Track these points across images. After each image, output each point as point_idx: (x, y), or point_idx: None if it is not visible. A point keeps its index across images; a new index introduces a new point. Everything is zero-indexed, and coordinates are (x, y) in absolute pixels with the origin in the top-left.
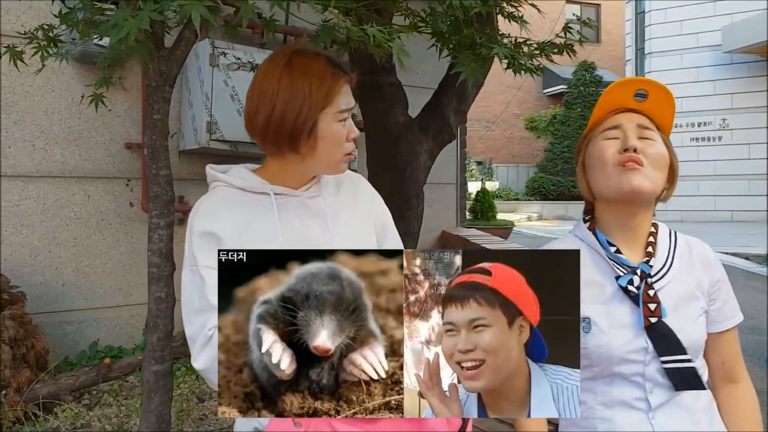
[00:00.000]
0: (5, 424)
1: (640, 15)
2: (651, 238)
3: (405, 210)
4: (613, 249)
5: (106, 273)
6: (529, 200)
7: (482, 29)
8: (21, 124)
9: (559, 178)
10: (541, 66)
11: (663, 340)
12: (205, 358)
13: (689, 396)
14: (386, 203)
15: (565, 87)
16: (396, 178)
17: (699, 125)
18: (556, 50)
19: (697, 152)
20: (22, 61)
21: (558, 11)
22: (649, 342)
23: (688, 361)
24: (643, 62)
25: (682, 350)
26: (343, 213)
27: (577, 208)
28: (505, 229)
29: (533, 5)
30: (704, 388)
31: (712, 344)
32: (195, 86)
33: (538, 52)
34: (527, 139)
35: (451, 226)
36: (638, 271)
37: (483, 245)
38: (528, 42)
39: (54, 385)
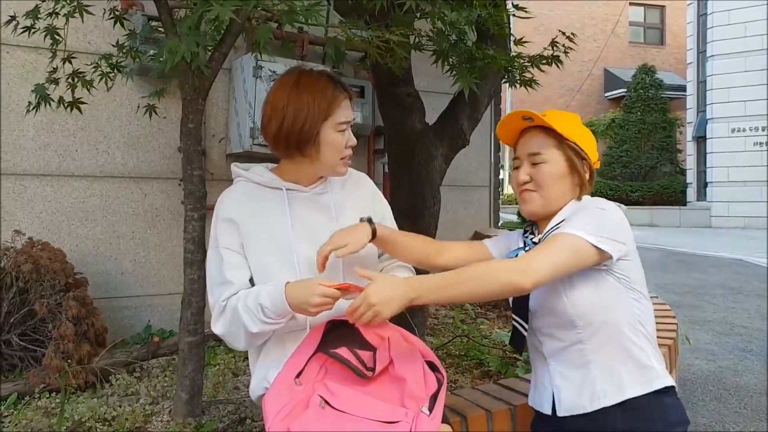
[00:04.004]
0: (69, 390)
1: (702, 17)
2: (554, 222)
3: (422, 209)
4: (526, 232)
5: (160, 264)
6: None
7: (479, 45)
8: (87, 130)
9: (616, 183)
10: (533, 78)
11: (517, 301)
12: (221, 324)
13: (578, 343)
14: (404, 202)
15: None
16: (413, 180)
17: (763, 129)
18: (544, 61)
19: (761, 157)
20: (94, 87)
21: (618, 13)
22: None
23: (524, 328)
24: (705, 65)
25: (525, 317)
26: (347, 206)
27: (636, 213)
28: None
29: (522, 8)
30: (520, 353)
31: None
32: (240, 96)
33: (529, 64)
34: None
35: (485, 227)
36: (526, 247)
37: None
38: (521, 55)
39: (110, 359)
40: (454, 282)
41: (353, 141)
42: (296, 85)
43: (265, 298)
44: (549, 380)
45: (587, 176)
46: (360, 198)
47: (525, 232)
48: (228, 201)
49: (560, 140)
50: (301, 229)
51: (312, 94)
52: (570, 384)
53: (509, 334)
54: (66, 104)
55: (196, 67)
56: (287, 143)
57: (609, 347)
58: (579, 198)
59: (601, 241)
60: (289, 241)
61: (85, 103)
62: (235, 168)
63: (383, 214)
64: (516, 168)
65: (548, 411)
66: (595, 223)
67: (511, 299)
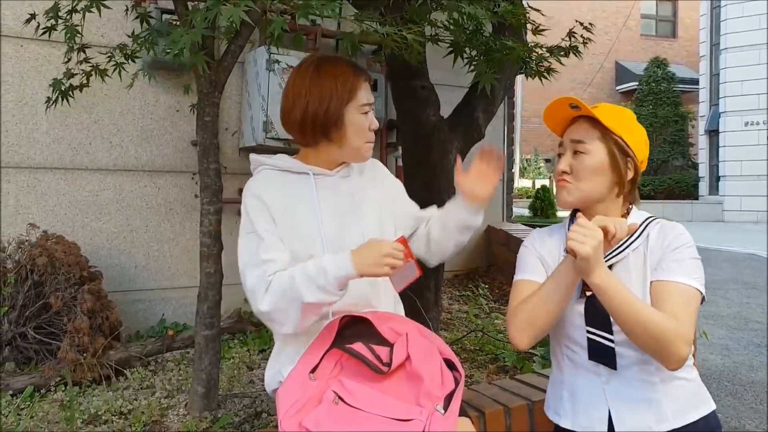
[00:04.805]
0: (84, 383)
1: (715, 9)
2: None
3: (436, 202)
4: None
5: (174, 257)
6: None
7: (497, 37)
8: (100, 124)
9: None
10: (550, 67)
11: (593, 312)
12: (268, 300)
13: (646, 369)
14: (419, 196)
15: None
16: (428, 174)
17: None
18: (563, 53)
19: None
20: (108, 76)
21: (629, 5)
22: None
23: (610, 341)
24: (718, 58)
25: (608, 329)
26: (368, 193)
27: (648, 207)
28: None
29: (538, 10)
30: (614, 368)
31: (652, 290)
32: (253, 89)
33: (548, 54)
34: None
35: (497, 221)
36: None
37: (524, 239)
38: (539, 45)
39: (125, 352)
40: (634, 311)
41: (376, 124)
42: (317, 70)
43: (328, 262)
44: (603, 400)
45: (631, 175)
46: (377, 182)
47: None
48: (257, 187)
49: (605, 133)
50: (328, 213)
51: (334, 77)
52: (631, 403)
53: None
54: (79, 88)
55: (193, 64)
56: (313, 128)
57: (676, 381)
58: (632, 203)
59: (702, 288)
60: (318, 225)
61: (87, 86)
62: (257, 156)
63: (399, 192)
64: (559, 155)
65: None
66: (700, 271)
67: (582, 311)
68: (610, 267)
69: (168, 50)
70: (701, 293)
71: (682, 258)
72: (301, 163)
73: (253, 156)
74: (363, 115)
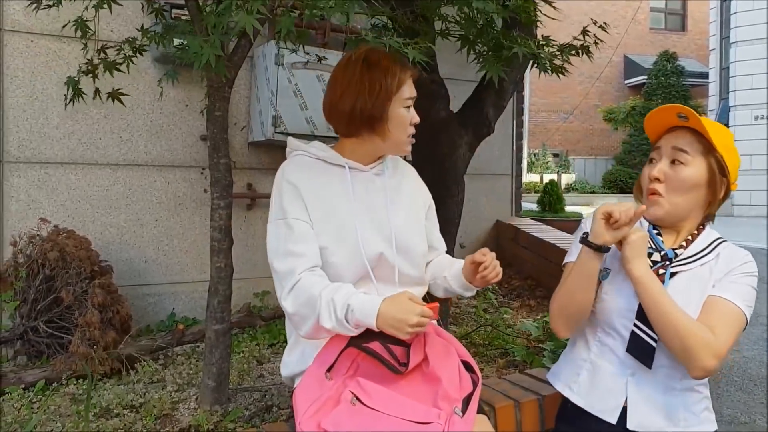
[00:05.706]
0: (96, 376)
1: (725, 2)
2: (689, 237)
3: (446, 197)
4: (655, 231)
5: (183, 251)
6: (605, 193)
7: (507, 32)
8: (110, 119)
9: (636, 171)
10: (563, 65)
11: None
12: (292, 301)
13: (672, 374)
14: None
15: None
16: (437, 169)
17: None
18: (574, 52)
19: None
20: (119, 70)
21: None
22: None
23: (653, 339)
24: (728, 52)
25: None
26: (402, 191)
27: None
28: (571, 222)
29: (554, 6)
30: (649, 367)
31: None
32: (262, 84)
33: (558, 53)
34: (606, 131)
35: (506, 216)
36: (662, 253)
37: (533, 234)
38: (550, 43)
39: (135, 346)
40: (667, 310)
41: (417, 118)
42: (366, 62)
43: (356, 300)
44: (624, 391)
45: (721, 195)
46: (412, 185)
47: (652, 228)
48: (292, 173)
49: (709, 149)
50: (360, 207)
51: (383, 70)
52: (649, 401)
53: (535, 324)
54: (106, 96)
55: (216, 71)
56: (361, 119)
57: (695, 395)
58: (709, 220)
59: (749, 314)
60: (352, 219)
61: (125, 94)
62: (294, 141)
63: (429, 203)
64: (651, 161)
65: (612, 420)
66: (752, 300)
67: (635, 305)
68: (674, 274)
69: (191, 55)
70: (746, 318)
71: (741, 282)
72: (338, 155)
73: (291, 140)
74: (405, 109)
